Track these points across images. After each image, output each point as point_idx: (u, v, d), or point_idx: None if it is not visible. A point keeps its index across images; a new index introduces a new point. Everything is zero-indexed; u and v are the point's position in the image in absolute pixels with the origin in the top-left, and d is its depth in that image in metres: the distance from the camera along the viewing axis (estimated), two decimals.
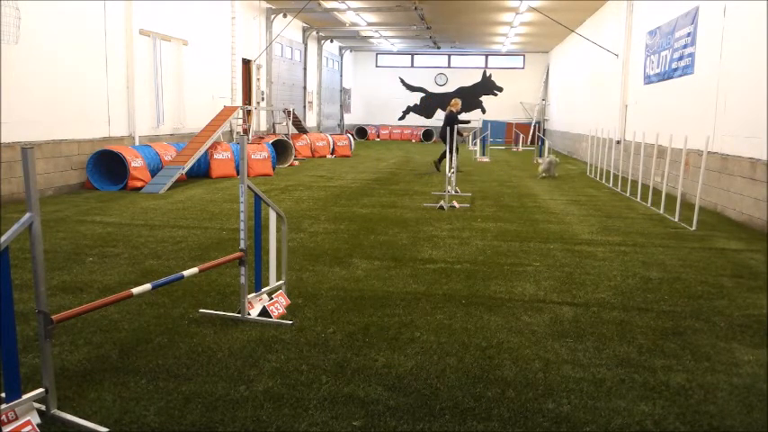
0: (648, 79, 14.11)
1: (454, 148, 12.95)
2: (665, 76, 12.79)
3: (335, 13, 21.87)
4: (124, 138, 12.26)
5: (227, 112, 14.46)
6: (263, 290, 4.48)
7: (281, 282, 4.68)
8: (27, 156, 2.67)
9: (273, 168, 14.23)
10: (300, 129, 20.31)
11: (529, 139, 30.82)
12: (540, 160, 16.74)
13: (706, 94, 10.45)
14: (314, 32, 25.98)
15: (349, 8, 21.37)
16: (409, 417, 3.01)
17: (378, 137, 34.05)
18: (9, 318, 2.69)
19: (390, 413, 3.04)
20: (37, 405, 2.88)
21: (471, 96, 34.25)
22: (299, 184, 12.46)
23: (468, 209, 9.55)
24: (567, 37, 25.39)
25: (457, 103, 15.44)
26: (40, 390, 2.88)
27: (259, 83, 20.38)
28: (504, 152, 25.41)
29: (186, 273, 3.84)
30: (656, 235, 7.81)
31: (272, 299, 4.46)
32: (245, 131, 17.05)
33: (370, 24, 24.71)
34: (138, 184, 11.02)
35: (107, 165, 11.25)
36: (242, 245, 4.27)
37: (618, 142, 14.96)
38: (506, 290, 5.20)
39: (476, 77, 34.21)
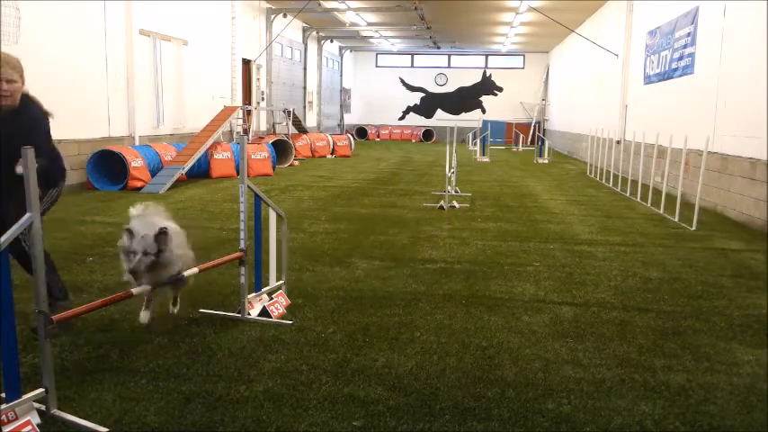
0: (648, 79, 14.11)
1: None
2: (665, 76, 12.78)
3: (335, 13, 21.86)
4: (124, 138, 12.25)
5: (227, 112, 14.47)
6: (263, 290, 4.47)
7: (281, 282, 4.68)
8: (27, 156, 2.67)
9: (273, 168, 14.22)
10: (300, 129, 20.30)
11: (529, 139, 30.82)
12: None
13: (706, 94, 10.44)
14: (314, 32, 25.97)
15: (349, 8, 21.36)
16: (409, 417, 3.01)
17: (378, 137, 34.03)
18: (9, 318, 2.69)
19: (390, 413, 3.04)
20: (37, 405, 2.88)
21: (471, 96, 34.27)
22: (299, 184, 12.46)
23: (468, 209, 9.55)
24: (567, 37, 25.37)
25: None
26: (40, 390, 2.88)
27: (259, 83, 20.37)
28: (505, 152, 25.41)
29: (186, 273, 3.85)
30: (656, 235, 7.81)
31: (272, 299, 4.46)
32: (245, 131, 17.05)
33: (370, 24, 24.69)
34: (139, 184, 11.02)
35: (107, 165, 11.25)
36: (242, 245, 4.27)
37: (618, 142, 14.95)
38: (506, 290, 5.20)
39: (476, 77, 34.19)
